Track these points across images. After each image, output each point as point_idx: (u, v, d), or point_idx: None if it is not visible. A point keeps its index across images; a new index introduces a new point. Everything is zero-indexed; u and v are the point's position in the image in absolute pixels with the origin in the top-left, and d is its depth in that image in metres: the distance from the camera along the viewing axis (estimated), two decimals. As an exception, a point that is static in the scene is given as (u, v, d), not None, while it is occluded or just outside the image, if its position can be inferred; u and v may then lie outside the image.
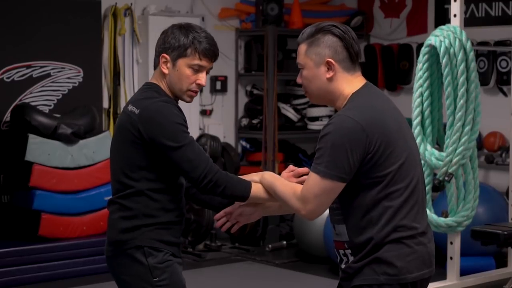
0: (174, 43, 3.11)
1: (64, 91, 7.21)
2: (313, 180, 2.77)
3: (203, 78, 3.14)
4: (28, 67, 7.01)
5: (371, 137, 2.73)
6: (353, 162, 2.73)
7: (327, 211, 2.96)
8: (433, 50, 5.63)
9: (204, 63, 3.13)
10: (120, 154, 3.14)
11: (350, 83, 2.86)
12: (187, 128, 3.09)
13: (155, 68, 3.20)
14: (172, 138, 3.02)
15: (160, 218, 3.14)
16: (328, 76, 2.84)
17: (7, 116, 6.86)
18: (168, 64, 3.13)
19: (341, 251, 2.89)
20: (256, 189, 3.07)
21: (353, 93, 2.84)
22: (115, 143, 3.17)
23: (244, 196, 3.07)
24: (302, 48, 2.88)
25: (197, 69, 3.12)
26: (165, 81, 3.16)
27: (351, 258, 2.85)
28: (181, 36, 3.11)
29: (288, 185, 2.93)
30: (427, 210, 5.74)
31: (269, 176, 3.05)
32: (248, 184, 3.08)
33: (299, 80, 2.93)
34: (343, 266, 2.89)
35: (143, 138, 3.06)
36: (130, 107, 3.12)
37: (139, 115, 3.07)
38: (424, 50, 5.68)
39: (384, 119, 2.79)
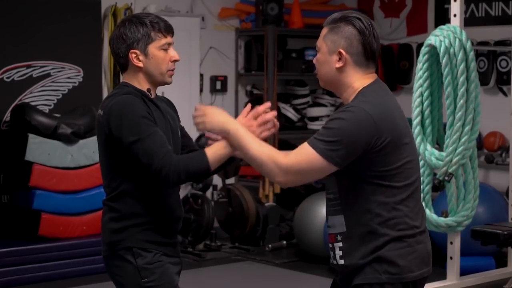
0: (136, 35, 3.13)
1: (64, 91, 7.21)
2: (308, 154, 2.74)
3: (175, 53, 3.19)
4: (28, 67, 7.01)
5: (381, 132, 2.73)
6: (353, 152, 2.72)
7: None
8: (433, 50, 5.63)
9: (169, 39, 3.17)
10: (101, 158, 3.18)
11: (361, 79, 2.84)
12: (150, 119, 3.06)
13: (123, 70, 3.21)
14: (130, 132, 3.02)
15: (148, 217, 3.14)
16: (337, 66, 2.83)
17: (7, 116, 6.86)
18: (141, 57, 3.15)
19: (330, 245, 2.88)
20: (212, 154, 3.03)
21: (363, 87, 2.82)
22: (98, 148, 3.20)
23: (207, 168, 3.03)
24: (323, 31, 2.88)
25: (166, 48, 3.16)
26: (141, 75, 3.17)
27: (339, 253, 2.83)
28: (138, 26, 3.14)
29: (264, 146, 2.87)
30: (427, 210, 5.76)
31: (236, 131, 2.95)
32: (202, 155, 3.03)
33: (314, 61, 2.94)
34: (332, 261, 2.88)
35: (113, 137, 3.07)
36: (98, 111, 3.15)
37: (103, 116, 3.09)
38: (424, 50, 5.68)
39: (394, 116, 2.80)
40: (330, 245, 2.88)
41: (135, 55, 3.14)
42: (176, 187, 3.19)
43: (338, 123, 2.73)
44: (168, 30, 3.16)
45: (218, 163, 3.07)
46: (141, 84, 3.18)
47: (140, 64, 3.15)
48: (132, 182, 3.11)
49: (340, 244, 2.84)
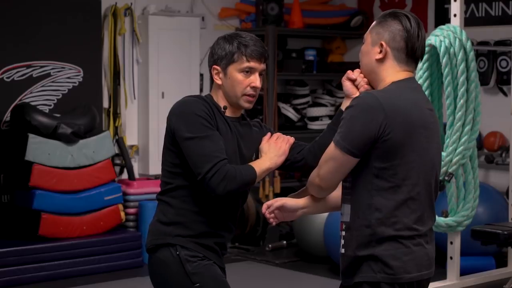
0: (221, 53, 3.16)
1: (64, 91, 7.21)
2: (329, 147, 2.86)
3: (256, 80, 3.16)
4: (28, 67, 7.01)
5: (391, 120, 2.75)
6: (365, 138, 2.76)
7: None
8: (433, 50, 5.63)
9: (253, 64, 3.14)
10: (163, 155, 3.20)
11: (395, 74, 2.89)
12: (210, 123, 3.07)
13: (212, 82, 3.24)
14: (187, 128, 3.04)
15: (188, 223, 3.14)
16: (377, 57, 2.89)
17: (7, 116, 6.86)
18: (220, 75, 3.17)
19: (340, 232, 2.92)
20: (258, 166, 3.13)
21: (393, 82, 2.87)
22: (163, 149, 3.23)
23: (254, 179, 3.10)
24: (372, 25, 2.96)
25: (248, 72, 3.14)
26: (221, 92, 3.19)
27: (342, 242, 2.88)
28: (226, 44, 3.16)
29: None
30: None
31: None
32: (249, 166, 3.11)
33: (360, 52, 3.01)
34: (341, 250, 2.92)
35: (171, 134, 3.11)
36: None
37: (168, 116, 3.15)
38: (424, 50, 5.67)
39: (409, 110, 2.81)
40: (340, 233, 2.92)
41: (216, 71, 3.18)
42: (222, 200, 3.14)
43: (348, 112, 2.80)
44: (253, 56, 3.14)
45: (263, 175, 3.15)
46: (220, 100, 3.20)
47: (219, 82, 3.17)
48: (187, 179, 3.11)
49: (343, 233, 2.88)
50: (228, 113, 3.20)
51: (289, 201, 3.12)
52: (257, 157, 3.26)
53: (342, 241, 2.89)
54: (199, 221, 3.13)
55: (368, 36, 2.94)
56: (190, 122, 3.05)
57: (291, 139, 3.28)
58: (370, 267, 2.80)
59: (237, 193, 3.11)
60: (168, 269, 3.13)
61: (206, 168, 3.00)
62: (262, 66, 3.18)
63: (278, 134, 3.30)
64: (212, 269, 3.15)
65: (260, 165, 3.14)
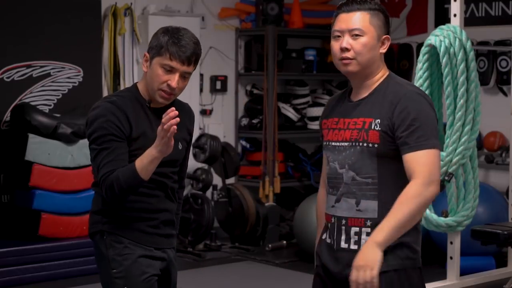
0: (154, 42, 3.15)
1: (64, 91, 7.21)
2: (435, 156, 2.81)
3: (174, 81, 3.09)
4: (28, 67, 7.01)
5: None
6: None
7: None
8: (433, 50, 5.63)
9: (175, 64, 3.09)
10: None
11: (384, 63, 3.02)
12: (117, 132, 3.15)
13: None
14: (91, 138, 3.20)
15: (123, 208, 3.24)
16: (382, 51, 2.96)
17: (7, 116, 6.86)
18: (147, 63, 3.17)
19: (356, 229, 2.88)
20: (139, 163, 3.07)
21: (390, 73, 3.00)
22: None
23: (137, 178, 3.07)
24: (365, 15, 2.91)
25: (168, 70, 3.10)
26: (145, 80, 3.20)
27: (366, 238, 2.83)
28: (161, 36, 3.13)
29: (396, 207, 2.81)
30: (427, 210, 5.76)
31: None
32: (132, 167, 3.07)
33: (348, 45, 2.91)
34: (350, 245, 2.89)
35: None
36: None
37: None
38: (424, 49, 5.68)
39: None
40: (356, 229, 2.87)
41: (145, 58, 3.17)
42: (145, 190, 3.23)
43: (420, 113, 2.83)
44: (176, 57, 3.08)
45: (148, 166, 3.05)
46: (144, 91, 3.20)
47: (145, 69, 3.19)
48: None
49: (369, 229, 2.85)
50: (154, 104, 3.20)
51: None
52: (189, 137, 3.33)
53: (367, 238, 2.81)
54: (126, 209, 3.22)
55: (370, 29, 2.91)
56: (94, 132, 3.22)
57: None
58: (395, 254, 2.82)
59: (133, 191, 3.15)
60: (98, 254, 3.27)
61: (98, 179, 3.24)
62: (185, 68, 3.10)
63: None
64: (135, 260, 3.17)
65: (142, 158, 3.07)
